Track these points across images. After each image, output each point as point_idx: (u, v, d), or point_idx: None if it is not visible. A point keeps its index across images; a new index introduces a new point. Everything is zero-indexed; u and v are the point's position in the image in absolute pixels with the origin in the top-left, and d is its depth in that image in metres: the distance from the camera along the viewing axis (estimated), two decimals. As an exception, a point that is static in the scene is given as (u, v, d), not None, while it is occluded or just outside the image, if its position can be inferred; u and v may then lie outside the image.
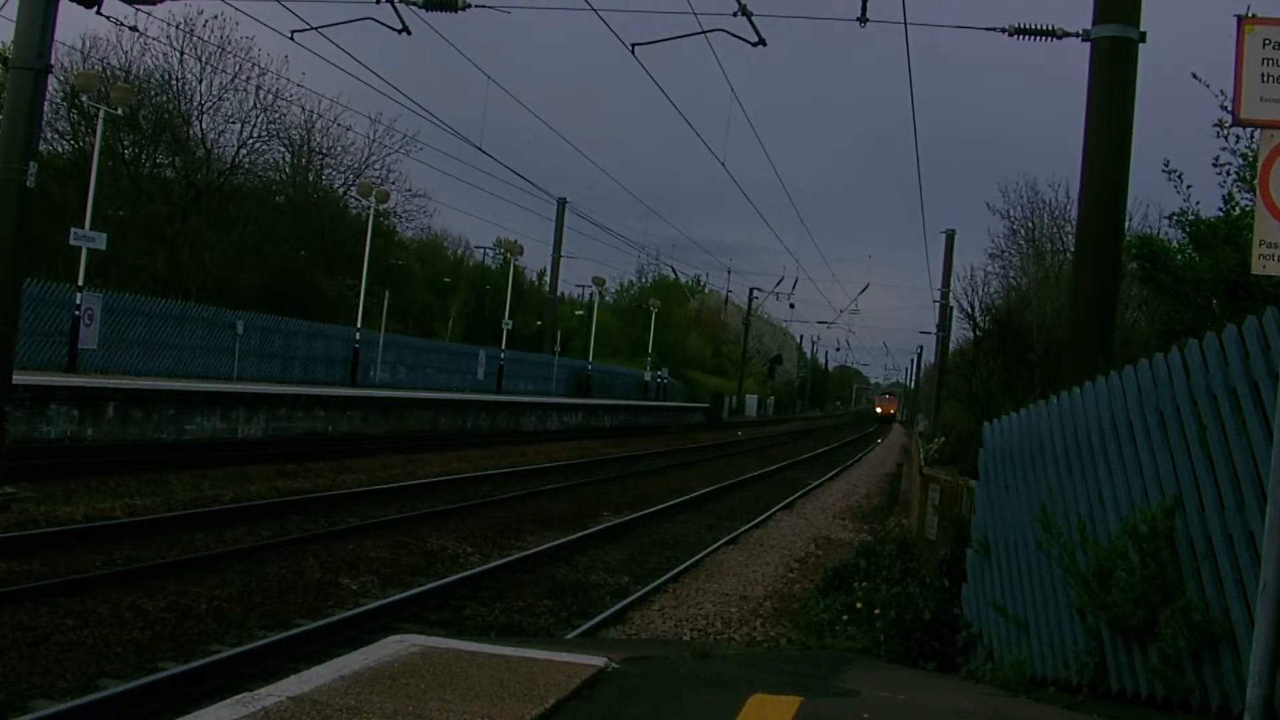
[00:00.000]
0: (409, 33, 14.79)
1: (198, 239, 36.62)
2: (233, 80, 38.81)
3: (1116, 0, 9.60)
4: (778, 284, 68.18)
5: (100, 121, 27.09)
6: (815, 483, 28.85)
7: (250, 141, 40.96)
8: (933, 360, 46.62)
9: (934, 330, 41.22)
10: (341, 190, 47.19)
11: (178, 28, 36.58)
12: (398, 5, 14.27)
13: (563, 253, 56.24)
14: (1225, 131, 8.70)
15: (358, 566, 11.70)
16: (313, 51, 63.68)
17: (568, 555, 13.86)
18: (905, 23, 13.79)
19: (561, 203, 54.97)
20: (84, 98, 28.89)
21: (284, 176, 45.24)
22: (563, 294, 65.53)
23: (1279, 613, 4.31)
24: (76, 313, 24.26)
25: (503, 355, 47.76)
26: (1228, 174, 9.07)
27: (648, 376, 63.55)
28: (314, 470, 19.63)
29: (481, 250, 64.72)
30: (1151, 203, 21.45)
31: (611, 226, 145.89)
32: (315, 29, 15.94)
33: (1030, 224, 25.19)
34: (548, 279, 60.62)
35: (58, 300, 24.72)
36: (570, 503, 19.23)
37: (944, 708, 5.63)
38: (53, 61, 12.92)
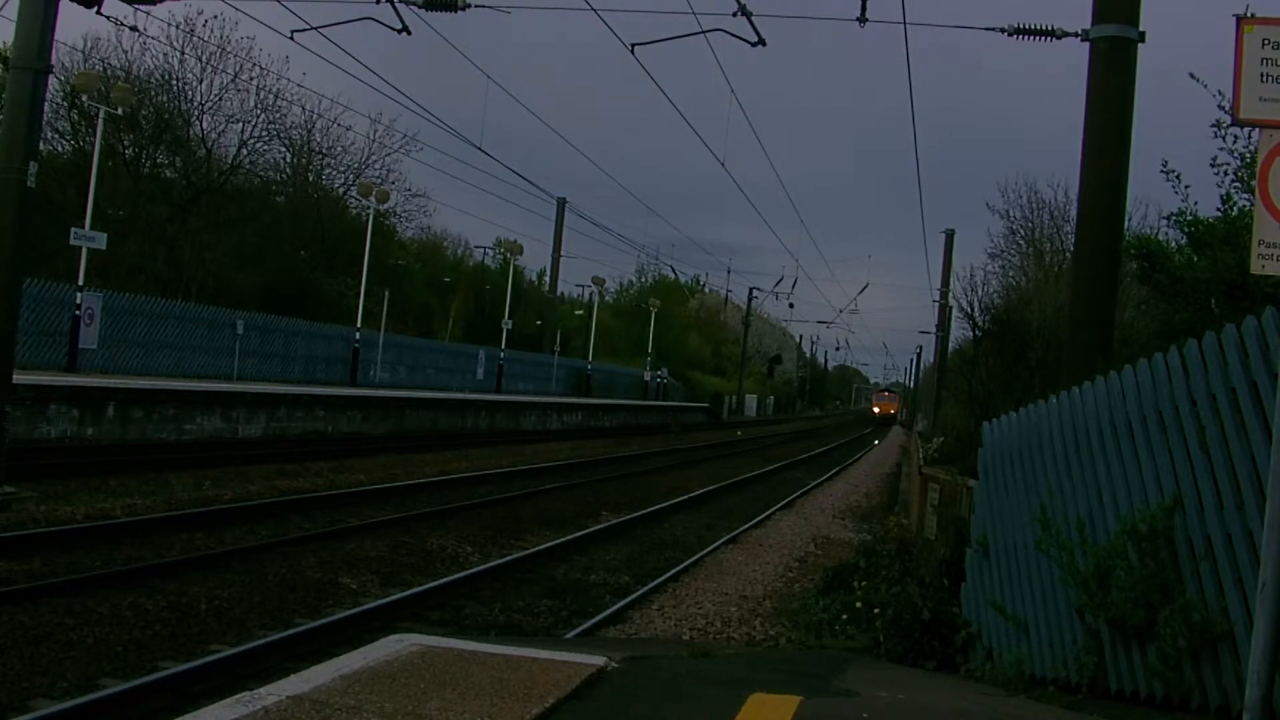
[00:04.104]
0: (409, 33, 14.79)
1: (198, 239, 36.61)
2: (233, 80, 38.88)
3: (1116, 0, 9.61)
4: (777, 284, 68.22)
5: (100, 121, 27.09)
6: (814, 482, 28.85)
7: (250, 141, 41.03)
8: (932, 360, 46.61)
9: (934, 330, 41.22)
10: (341, 190, 47.25)
11: (178, 28, 36.66)
12: (398, 5, 14.28)
13: (563, 253, 56.32)
14: (1223, 131, 8.69)
15: (357, 566, 11.71)
16: (313, 51, 63.64)
17: (567, 555, 13.86)
18: (905, 23, 13.82)
19: (561, 203, 54.99)
20: (84, 98, 28.87)
21: (284, 176, 45.27)
22: (563, 294, 65.66)
23: (1278, 612, 4.32)
24: (76, 313, 24.27)
25: (503, 355, 47.75)
26: (1226, 174, 9.06)
27: (647, 376, 63.55)
28: (314, 470, 19.63)
29: (481, 250, 64.83)
30: (1151, 203, 21.50)
31: (611, 226, 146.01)
32: (315, 29, 15.94)
33: (1030, 224, 25.24)
34: (548, 279, 60.67)
35: (58, 300, 24.72)
36: (570, 502, 19.23)
37: (943, 707, 5.64)
38: (53, 61, 12.92)
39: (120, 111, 28.23)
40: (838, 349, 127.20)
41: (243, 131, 40.35)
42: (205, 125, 39.55)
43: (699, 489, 22.99)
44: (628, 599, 11.33)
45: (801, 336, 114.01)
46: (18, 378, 13.89)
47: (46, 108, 18.94)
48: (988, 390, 16.06)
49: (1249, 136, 8.03)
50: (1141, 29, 9.59)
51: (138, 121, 36.18)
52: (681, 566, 13.54)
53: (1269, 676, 4.35)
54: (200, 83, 38.59)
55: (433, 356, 45.76)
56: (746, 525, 18.24)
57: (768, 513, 20.51)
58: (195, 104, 38.85)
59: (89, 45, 35.86)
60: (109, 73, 35.07)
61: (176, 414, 21.88)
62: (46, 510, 12.69)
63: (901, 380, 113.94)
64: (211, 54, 37.57)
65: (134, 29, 29.18)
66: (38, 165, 12.49)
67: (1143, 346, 9.59)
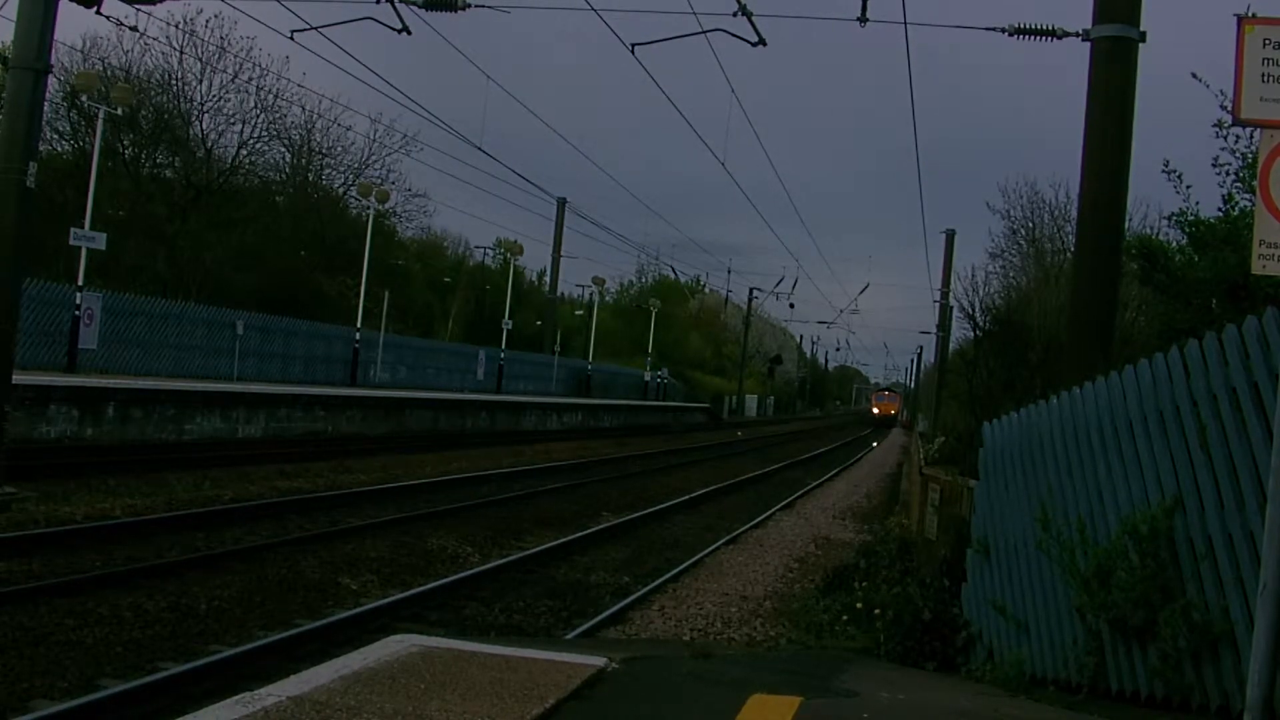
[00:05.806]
0: (409, 33, 14.81)
1: (198, 239, 36.63)
2: (233, 80, 38.91)
3: (1117, 0, 9.61)
4: (778, 284, 68.34)
5: (100, 121, 27.08)
6: (815, 483, 28.85)
7: (250, 141, 41.07)
8: (933, 360, 46.60)
9: (934, 330, 41.22)
10: (341, 190, 47.28)
11: (178, 28, 36.66)
12: (398, 5, 14.29)
13: (563, 253, 56.30)
14: (1225, 131, 8.70)
15: (358, 566, 11.70)
16: (313, 51, 63.69)
17: (568, 555, 13.85)
18: (905, 23, 13.84)
19: (561, 203, 54.99)
20: (84, 98, 28.88)
21: (284, 176, 45.28)
22: (563, 294, 65.62)
23: (1279, 613, 4.31)
24: (76, 313, 24.26)
25: (503, 355, 47.75)
26: (1227, 174, 9.07)
27: (648, 376, 63.56)
28: (314, 470, 19.63)
29: (481, 250, 64.77)
30: (1151, 203, 21.44)
31: (611, 226, 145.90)
32: (315, 29, 15.96)
33: (1030, 224, 25.23)
34: (548, 279, 60.69)
35: (58, 300, 24.72)
36: (570, 503, 19.22)
37: (944, 708, 5.64)
38: (53, 61, 12.93)
39: (120, 111, 28.22)
40: (838, 349, 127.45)
41: (242, 132, 40.44)
42: (205, 125, 39.62)
43: (699, 489, 22.99)
44: (628, 599, 11.32)
45: (802, 336, 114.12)
46: (17, 378, 13.90)
47: (46, 108, 18.96)
48: (988, 390, 16.04)
49: (1250, 136, 8.03)
50: (1142, 29, 9.59)
51: (137, 121, 36.19)
52: (682, 567, 13.54)
53: (1270, 677, 4.35)
54: (200, 83, 38.66)
55: (433, 356, 45.77)
56: (747, 526, 18.23)
57: (768, 513, 20.50)
58: (195, 104, 38.92)
59: (89, 45, 35.95)
60: (109, 73, 35.11)
61: (176, 414, 21.88)
62: (46, 510, 12.68)
63: (902, 380, 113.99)
64: (211, 54, 37.63)
65: (134, 29, 29.12)
66: (37, 165, 12.50)
67: (1143, 346, 9.59)
